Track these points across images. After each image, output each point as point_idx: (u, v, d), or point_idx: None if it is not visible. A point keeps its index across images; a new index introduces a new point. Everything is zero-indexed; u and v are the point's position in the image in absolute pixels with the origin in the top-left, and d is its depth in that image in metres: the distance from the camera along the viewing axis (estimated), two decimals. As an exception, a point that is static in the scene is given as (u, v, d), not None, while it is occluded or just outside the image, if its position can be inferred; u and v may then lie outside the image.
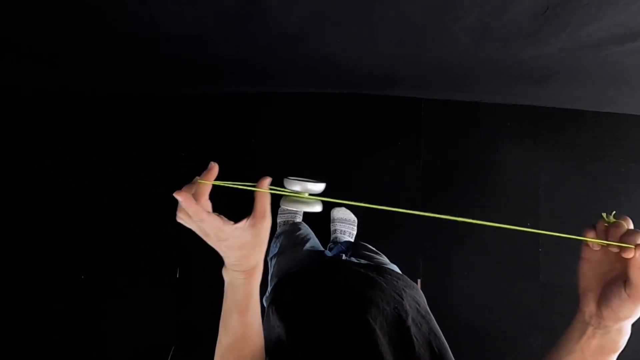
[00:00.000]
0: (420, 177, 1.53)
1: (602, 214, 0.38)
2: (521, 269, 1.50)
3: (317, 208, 0.38)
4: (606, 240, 0.37)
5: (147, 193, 1.50)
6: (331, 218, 1.46)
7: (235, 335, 0.44)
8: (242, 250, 0.39)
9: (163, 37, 1.01)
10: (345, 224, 1.44)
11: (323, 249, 0.91)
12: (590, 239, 0.38)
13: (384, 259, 0.83)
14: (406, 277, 0.69)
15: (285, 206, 0.39)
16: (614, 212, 0.38)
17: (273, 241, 1.03)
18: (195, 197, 0.37)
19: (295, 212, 1.44)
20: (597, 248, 0.38)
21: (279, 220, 1.43)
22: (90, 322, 1.47)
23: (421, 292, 0.64)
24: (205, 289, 1.48)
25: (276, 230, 1.43)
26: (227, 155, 1.50)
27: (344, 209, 1.47)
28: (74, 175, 1.53)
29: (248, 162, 1.49)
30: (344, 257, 0.78)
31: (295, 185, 0.38)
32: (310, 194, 0.39)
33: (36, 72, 1.29)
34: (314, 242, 0.93)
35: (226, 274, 0.42)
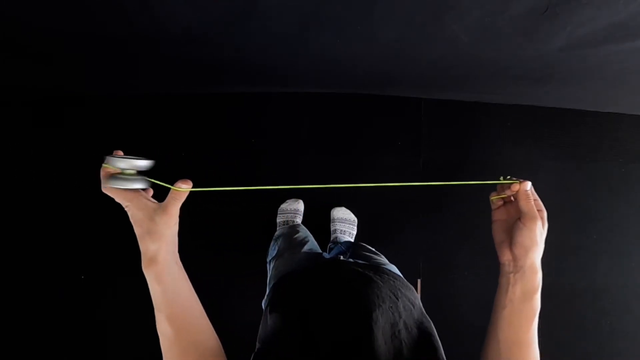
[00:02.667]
0: (420, 177, 1.53)
1: (500, 177, 0.50)
2: (521, 269, 1.50)
3: (139, 185, 0.40)
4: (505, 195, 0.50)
5: (147, 193, 1.50)
6: (331, 218, 1.46)
7: (166, 335, 0.45)
8: (139, 227, 0.42)
9: (163, 37, 1.01)
10: (345, 224, 1.44)
11: (321, 251, 0.91)
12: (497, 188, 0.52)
13: (383, 259, 0.83)
14: (403, 278, 0.69)
15: (111, 185, 0.40)
16: (509, 176, 0.50)
17: (272, 243, 1.03)
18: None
19: (295, 213, 1.44)
20: (500, 203, 0.52)
21: (278, 220, 1.43)
22: (90, 322, 1.47)
23: (417, 294, 0.65)
24: (205, 289, 1.48)
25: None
26: (227, 155, 1.50)
27: (344, 209, 1.47)
28: (74, 175, 1.53)
29: (248, 162, 1.49)
30: (342, 258, 0.79)
31: (121, 163, 0.39)
32: (138, 171, 0.40)
33: (37, 72, 1.29)
34: (312, 244, 0.93)
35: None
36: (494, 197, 0.52)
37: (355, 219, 1.47)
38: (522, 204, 0.47)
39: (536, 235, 0.46)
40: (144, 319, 1.60)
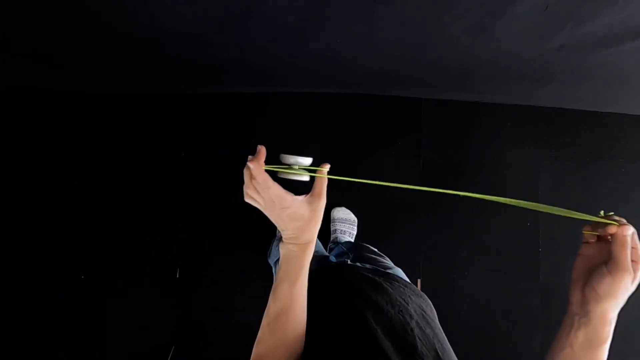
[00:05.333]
0: (420, 177, 1.53)
1: (601, 211, 0.44)
2: (521, 269, 1.50)
3: (305, 178, 0.47)
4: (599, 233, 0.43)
5: (147, 193, 1.50)
6: (331, 218, 1.46)
7: (283, 304, 0.47)
8: (300, 222, 0.45)
9: (163, 37, 1.01)
10: (345, 224, 1.44)
11: (327, 254, 0.90)
12: (588, 220, 0.45)
13: (388, 262, 0.83)
14: (413, 285, 0.69)
15: (281, 176, 0.47)
16: (611, 213, 0.44)
17: (275, 243, 1.02)
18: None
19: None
20: (591, 240, 0.45)
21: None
22: (90, 322, 1.47)
23: (429, 300, 0.65)
24: (205, 289, 1.48)
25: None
26: (227, 155, 1.50)
27: (344, 209, 1.47)
28: (74, 175, 1.53)
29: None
30: (349, 262, 0.78)
31: (290, 159, 0.47)
32: (300, 167, 0.47)
33: (36, 72, 1.29)
34: (317, 245, 0.92)
35: (282, 248, 0.48)
36: (586, 232, 0.45)
37: (356, 219, 1.47)
38: (616, 249, 0.40)
39: (618, 288, 0.40)
40: (143, 319, 1.60)
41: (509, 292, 1.49)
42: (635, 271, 0.40)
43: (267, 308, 0.48)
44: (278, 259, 0.87)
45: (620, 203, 1.52)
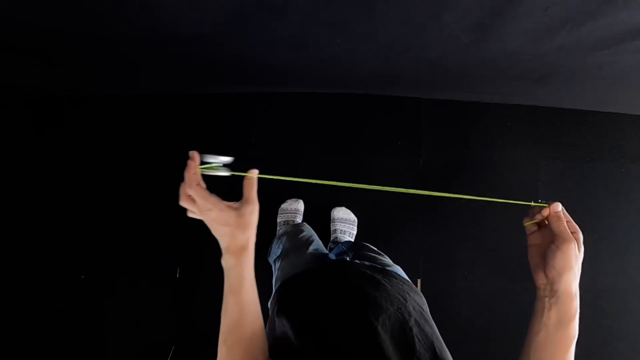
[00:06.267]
0: (420, 177, 1.53)
1: (531, 201, 0.51)
2: (521, 269, 1.50)
3: (225, 173, 0.50)
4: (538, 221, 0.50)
5: (147, 193, 1.50)
6: (331, 218, 1.46)
7: (232, 318, 0.46)
8: (227, 226, 0.45)
9: (163, 37, 1.01)
10: (345, 224, 1.44)
11: (327, 252, 0.90)
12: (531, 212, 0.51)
13: (387, 259, 0.83)
14: (411, 282, 0.69)
15: (205, 173, 0.50)
16: (540, 200, 0.50)
17: (275, 242, 1.02)
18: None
19: (295, 213, 1.44)
20: (534, 228, 0.51)
21: (278, 219, 1.43)
22: (90, 322, 1.47)
23: (424, 299, 0.65)
24: (205, 289, 1.48)
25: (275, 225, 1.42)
26: (227, 155, 1.50)
27: (344, 209, 1.47)
28: (74, 175, 1.53)
29: (248, 162, 1.49)
30: (347, 259, 0.78)
31: (209, 158, 0.51)
32: (224, 164, 0.51)
33: (36, 72, 1.29)
34: (317, 244, 0.93)
35: (222, 262, 0.47)
36: (527, 223, 0.51)
37: (356, 219, 1.47)
38: (555, 226, 0.47)
39: (570, 258, 0.45)
40: (143, 319, 1.60)
41: (509, 291, 1.49)
42: (577, 240, 0.46)
43: (220, 324, 0.48)
44: (277, 257, 0.88)
45: (620, 203, 1.52)
